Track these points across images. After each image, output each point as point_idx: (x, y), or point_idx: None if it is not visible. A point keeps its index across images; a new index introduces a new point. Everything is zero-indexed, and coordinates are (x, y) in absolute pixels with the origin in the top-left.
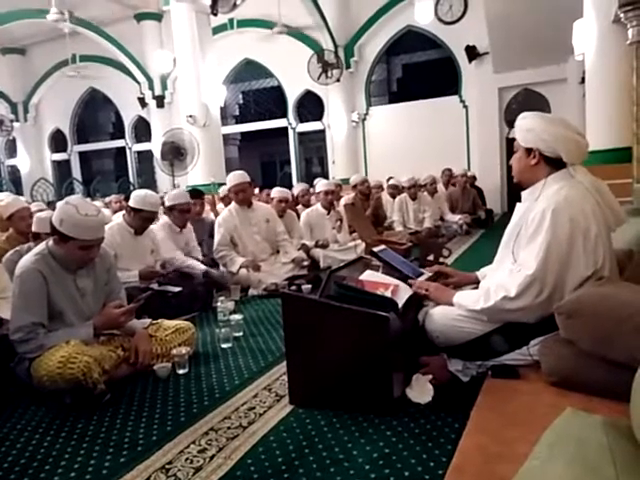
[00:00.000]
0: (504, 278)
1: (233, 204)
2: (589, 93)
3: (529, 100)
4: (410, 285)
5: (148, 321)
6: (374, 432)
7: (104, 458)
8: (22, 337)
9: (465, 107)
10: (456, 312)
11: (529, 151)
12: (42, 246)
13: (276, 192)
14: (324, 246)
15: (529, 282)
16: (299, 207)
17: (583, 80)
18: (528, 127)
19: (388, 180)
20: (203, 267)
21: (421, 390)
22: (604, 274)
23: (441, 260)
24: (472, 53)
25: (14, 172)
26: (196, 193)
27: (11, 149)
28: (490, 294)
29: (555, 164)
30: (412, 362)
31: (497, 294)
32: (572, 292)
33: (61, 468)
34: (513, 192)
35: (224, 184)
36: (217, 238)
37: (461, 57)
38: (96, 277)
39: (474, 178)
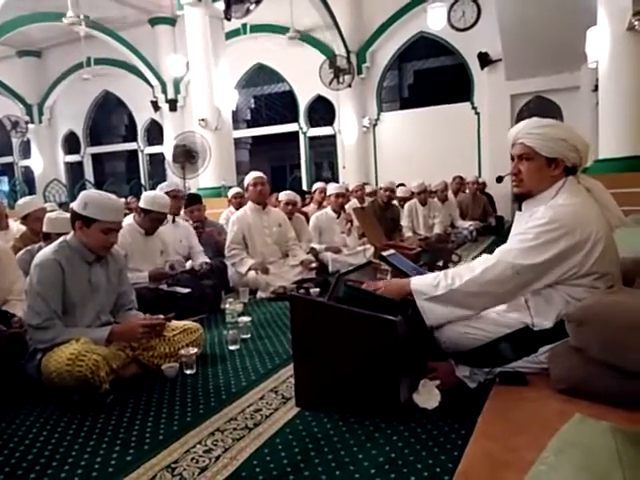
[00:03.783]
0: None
1: (249, 204)
2: (602, 101)
3: (541, 107)
4: None
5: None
6: (380, 436)
7: (111, 456)
8: (40, 323)
9: (477, 114)
10: (464, 319)
11: (550, 161)
12: (60, 239)
13: (283, 195)
14: (336, 251)
15: (494, 263)
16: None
17: (596, 88)
18: (559, 137)
19: (397, 186)
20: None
21: (428, 395)
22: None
23: (450, 265)
24: (484, 60)
25: (28, 173)
26: (195, 198)
27: (25, 150)
28: (455, 276)
29: (567, 172)
30: (419, 367)
31: (462, 277)
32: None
33: (68, 465)
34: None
35: (235, 186)
36: (230, 236)
37: (473, 64)
38: (108, 275)
39: (485, 185)
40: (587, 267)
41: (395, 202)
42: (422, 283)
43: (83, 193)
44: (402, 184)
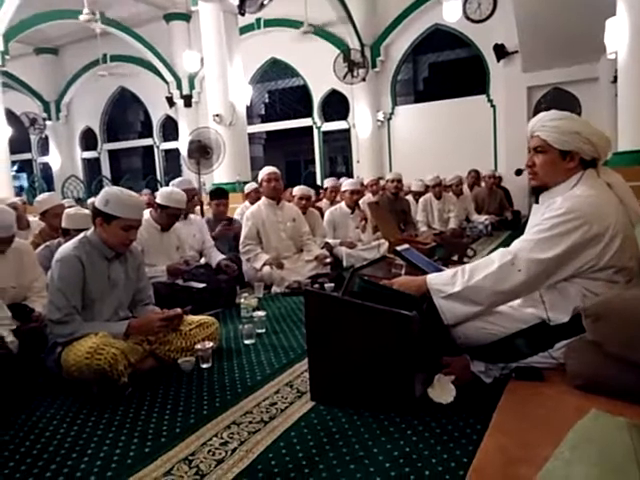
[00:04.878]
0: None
1: (262, 199)
2: (621, 92)
3: (559, 100)
4: None
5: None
6: (395, 430)
7: (129, 448)
8: (60, 318)
9: (493, 106)
10: (481, 315)
11: (564, 154)
12: (81, 235)
13: (297, 190)
14: (351, 246)
15: (512, 258)
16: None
17: (615, 79)
18: (572, 130)
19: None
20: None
21: (443, 390)
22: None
23: (465, 260)
24: (501, 52)
25: (46, 169)
26: (222, 192)
27: (43, 147)
28: (473, 272)
29: (586, 165)
30: (434, 362)
31: (479, 272)
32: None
33: (87, 456)
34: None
35: (250, 181)
36: (244, 231)
37: (489, 56)
38: (127, 271)
39: (501, 179)
40: (605, 260)
41: (409, 196)
42: (439, 281)
43: (105, 190)
44: (421, 180)
